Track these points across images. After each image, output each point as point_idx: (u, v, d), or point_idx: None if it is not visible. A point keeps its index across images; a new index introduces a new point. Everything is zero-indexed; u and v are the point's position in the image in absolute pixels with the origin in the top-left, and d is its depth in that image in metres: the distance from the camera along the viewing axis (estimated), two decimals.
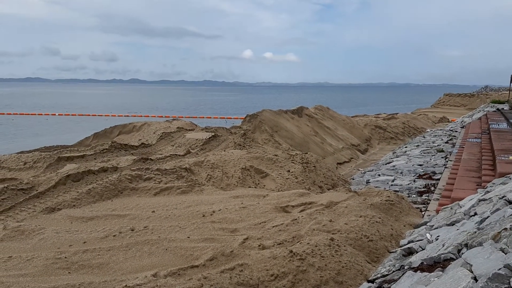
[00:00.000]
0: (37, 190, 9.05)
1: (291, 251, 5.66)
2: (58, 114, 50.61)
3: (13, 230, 7.09)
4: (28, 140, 24.18)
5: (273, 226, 6.99)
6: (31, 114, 50.40)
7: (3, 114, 50.88)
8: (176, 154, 14.18)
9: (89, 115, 50.11)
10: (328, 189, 12.13)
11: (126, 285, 4.74)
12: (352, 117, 31.08)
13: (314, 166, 13.34)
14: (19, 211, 8.25)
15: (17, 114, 50.69)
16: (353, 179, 15.11)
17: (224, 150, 14.30)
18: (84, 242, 6.60)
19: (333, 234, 6.42)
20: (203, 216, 7.77)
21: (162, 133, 18.55)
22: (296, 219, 7.23)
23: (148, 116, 45.24)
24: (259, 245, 6.07)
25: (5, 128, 38.26)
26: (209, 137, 16.95)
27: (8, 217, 7.99)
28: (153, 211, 8.12)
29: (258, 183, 11.55)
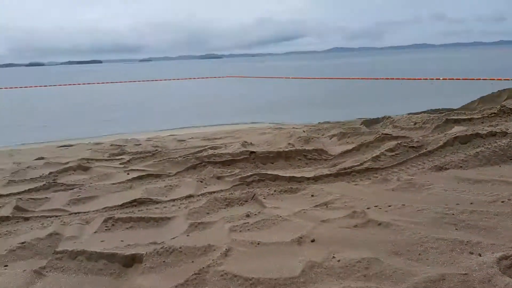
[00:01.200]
0: (426, 149, 9.72)
1: None
2: (442, 79, 50.99)
3: (405, 182, 7.98)
4: (416, 103, 25.70)
5: None
6: (417, 79, 52.96)
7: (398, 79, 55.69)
8: None
9: (473, 79, 48.06)
10: None
11: None
12: None
13: None
14: (410, 166, 9.14)
15: (405, 78, 54.46)
16: None
17: None
18: (471, 203, 6.70)
19: None
20: None
21: None
22: None
23: None
24: None
25: (396, 89, 41.91)
26: None
27: (401, 170, 9.01)
28: None
29: None
